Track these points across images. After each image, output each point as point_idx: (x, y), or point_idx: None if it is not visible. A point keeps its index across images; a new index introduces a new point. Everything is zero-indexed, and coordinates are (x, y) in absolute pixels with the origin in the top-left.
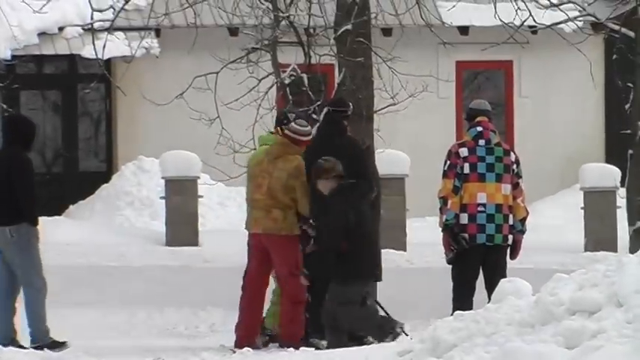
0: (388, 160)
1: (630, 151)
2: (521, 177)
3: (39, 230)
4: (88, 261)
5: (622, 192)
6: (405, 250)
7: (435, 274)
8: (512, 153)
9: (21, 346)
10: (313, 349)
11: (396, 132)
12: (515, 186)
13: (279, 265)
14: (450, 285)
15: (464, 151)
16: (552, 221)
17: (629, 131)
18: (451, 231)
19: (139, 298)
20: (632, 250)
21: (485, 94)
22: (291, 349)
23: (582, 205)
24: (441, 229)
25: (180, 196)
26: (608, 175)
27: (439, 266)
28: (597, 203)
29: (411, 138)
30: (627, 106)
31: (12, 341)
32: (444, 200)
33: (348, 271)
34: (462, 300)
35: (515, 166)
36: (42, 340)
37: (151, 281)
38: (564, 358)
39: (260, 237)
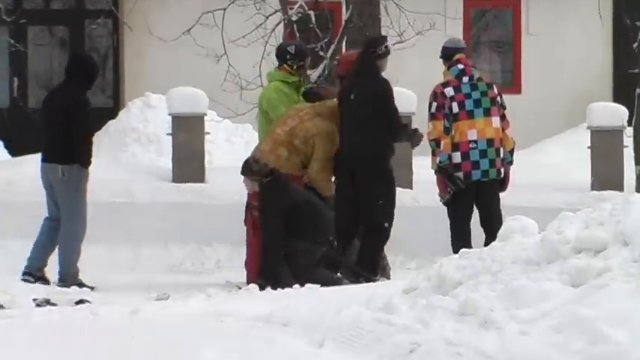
0: (395, 97)
1: (638, 90)
2: (505, 108)
3: (89, 173)
4: (94, 197)
5: (629, 131)
6: (411, 188)
7: (441, 212)
8: (494, 86)
9: (45, 280)
10: (319, 285)
11: (403, 70)
12: (502, 117)
13: None
14: None
15: (449, 91)
16: (558, 160)
17: (637, 70)
18: (445, 172)
19: (144, 235)
20: (639, 190)
21: (492, 32)
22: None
23: (589, 144)
24: (434, 171)
25: (187, 133)
26: (616, 114)
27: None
28: (604, 142)
29: (417, 76)
30: (635, 45)
31: (38, 270)
32: (435, 142)
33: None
34: (463, 239)
35: (499, 98)
36: (70, 281)
37: (157, 218)
38: (570, 296)
39: None
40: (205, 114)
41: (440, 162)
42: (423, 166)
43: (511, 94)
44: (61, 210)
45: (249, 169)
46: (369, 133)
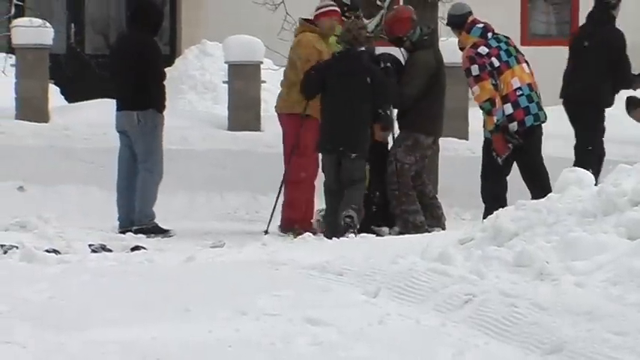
0: (451, 48)
1: None
2: (523, 54)
3: (164, 117)
4: None
5: None
6: (467, 139)
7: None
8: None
9: (139, 230)
10: (374, 235)
11: None
12: (527, 63)
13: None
14: (511, 174)
15: (483, 49)
16: (615, 111)
17: None
18: (504, 129)
19: (200, 182)
20: None
21: None
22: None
23: None
24: (490, 132)
25: (243, 81)
26: None
27: None
28: None
29: None
30: None
31: (131, 223)
32: (490, 102)
33: None
34: (502, 189)
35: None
36: (145, 223)
37: (213, 165)
38: (626, 249)
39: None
40: (262, 62)
41: (497, 120)
42: (478, 118)
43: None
44: (138, 155)
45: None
46: (596, 81)
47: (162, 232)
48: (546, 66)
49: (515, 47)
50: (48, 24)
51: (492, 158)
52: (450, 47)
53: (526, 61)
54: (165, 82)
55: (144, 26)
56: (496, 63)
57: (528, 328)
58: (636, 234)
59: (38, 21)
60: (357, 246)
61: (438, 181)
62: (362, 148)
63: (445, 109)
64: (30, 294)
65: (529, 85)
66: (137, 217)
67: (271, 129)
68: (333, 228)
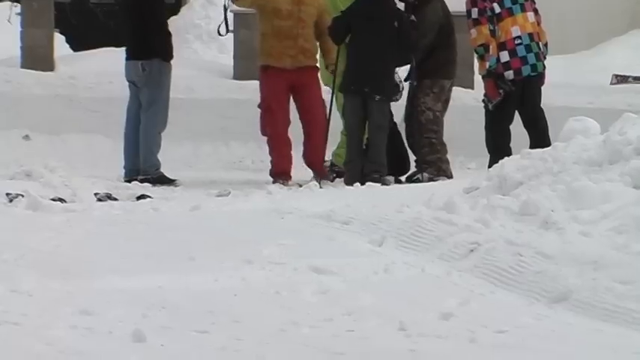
0: None
1: None
2: (535, 2)
3: (171, 65)
4: None
5: None
6: (472, 88)
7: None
8: None
9: (145, 180)
10: (380, 184)
11: None
12: (536, 12)
13: None
14: (515, 124)
15: None
16: (621, 62)
17: None
18: (495, 75)
19: (205, 131)
20: None
21: None
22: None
23: None
24: (482, 76)
25: (249, 30)
26: None
27: None
28: None
29: None
30: None
31: (137, 173)
32: (484, 48)
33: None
34: (505, 138)
35: None
36: (151, 173)
37: (218, 114)
38: (631, 198)
39: None
40: None
41: (490, 66)
42: None
43: None
44: (142, 103)
45: None
46: None
47: (168, 182)
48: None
49: None
50: None
51: (497, 112)
52: None
53: (535, 10)
54: (170, 31)
55: None
56: (497, 9)
57: (533, 277)
58: None
59: None
60: (363, 195)
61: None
62: (387, 90)
63: None
64: (36, 243)
65: (530, 34)
66: (142, 167)
67: None
68: (354, 174)
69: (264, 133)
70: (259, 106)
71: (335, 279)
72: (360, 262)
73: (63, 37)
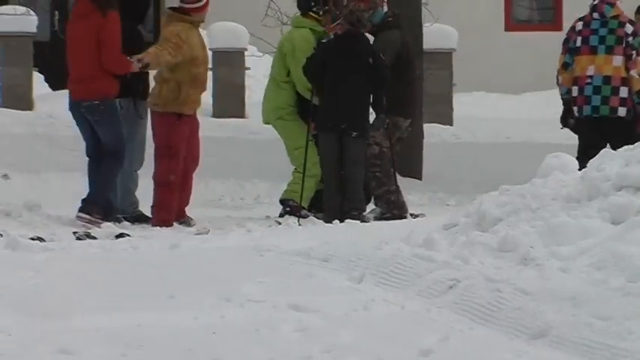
0: (436, 33)
1: None
2: (636, 49)
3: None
4: None
5: None
6: (451, 124)
7: (480, 148)
8: (628, 25)
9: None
10: (359, 222)
11: (444, 5)
12: (629, 58)
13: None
14: (495, 160)
15: (579, 25)
16: None
17: None
18: (567, 104)
19: None
20: None
21: None
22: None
23: None
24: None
25: (228, 68)
26: None
27: (485, 141)
28: None
29: (459, 12)
30: None
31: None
32: (558, 73)
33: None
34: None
35: (630, 38)
36: (129, 212)
37: None
38: (610, 234)
39: None
40: (246, 49)
41: (562, 94)
42: (463, 103)
43: (551, 31)
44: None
45: None
46: None
47: (147, 220)
48: (529, 52)
49: (620, 38)
50: (32, 12)
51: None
52: (435, 32)
53: (629, 56)
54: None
55: (129, 14)
56: (578, 43)
57: (513, 313)
58: (620, 218)
59: (22, 9)
60: (342, 232)
61: (422, 166)
62: (363, 127)
63: (429, 94)
64: (14, 281)
65: (606, 77)
66: (120, 206)
67: (256, 116)
68: (332, 212)
69: (165, 180)
70: (161, 152)
71: (314, 316)
72: (340, 300)
73: (42, 76)
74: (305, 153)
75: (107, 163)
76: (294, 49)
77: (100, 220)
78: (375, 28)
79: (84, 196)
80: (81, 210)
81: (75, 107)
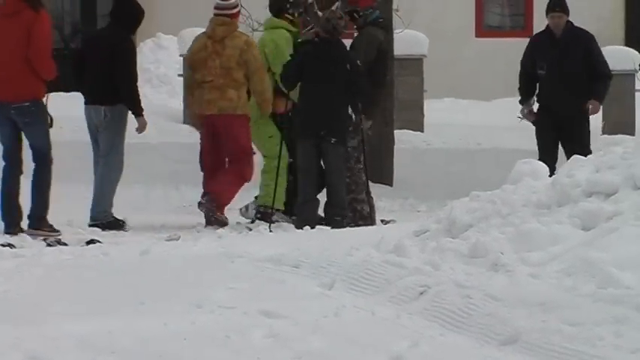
0: (406, 40)
1: None
2: None
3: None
4: None
5: None
6: (422, 130)
7: (451, 154)
8: None
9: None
10: (330, 227)
11: (415, 12)
12: None
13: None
14: (466, 166)
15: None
16: None
17: None
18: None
19: (155, 175)
20: None
21: None
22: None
23: None
24: None
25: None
26: (627, 57)
27: (456, 147)
28: (615, 86)
29: (430, 18)
30: None
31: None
32: None
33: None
34: None
35: None
36: (100, 218)
37: (168, 158)
38: (580, 240)
39: (214, 118)
40: None
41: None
42: (434, 109)
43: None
44: (101, 149)
45: None
46: None
47: (118, 227)
48: (499, 58)
49: None
50: None
51: None
52: (405, 38)
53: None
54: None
55: (123, 23)
56: None
57: (483, 319)
58: (590, 224)
59: None
60: (312, 238)
61: (393, 173)
62: (342, 133)
63: (400, 100)
64: None
65: None
66: (93, 213)
67: None
68: (312, 214)
69: (249, 179)
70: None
71: (285, 322)
72: (310, 306)
73: None
74: (280, 145)
75: (39, 173)
76: (277, 48)
77: (52, 232)
78: (363, 25)
79: (57, 202)
80: (30, 227)
81: (1, 109)
